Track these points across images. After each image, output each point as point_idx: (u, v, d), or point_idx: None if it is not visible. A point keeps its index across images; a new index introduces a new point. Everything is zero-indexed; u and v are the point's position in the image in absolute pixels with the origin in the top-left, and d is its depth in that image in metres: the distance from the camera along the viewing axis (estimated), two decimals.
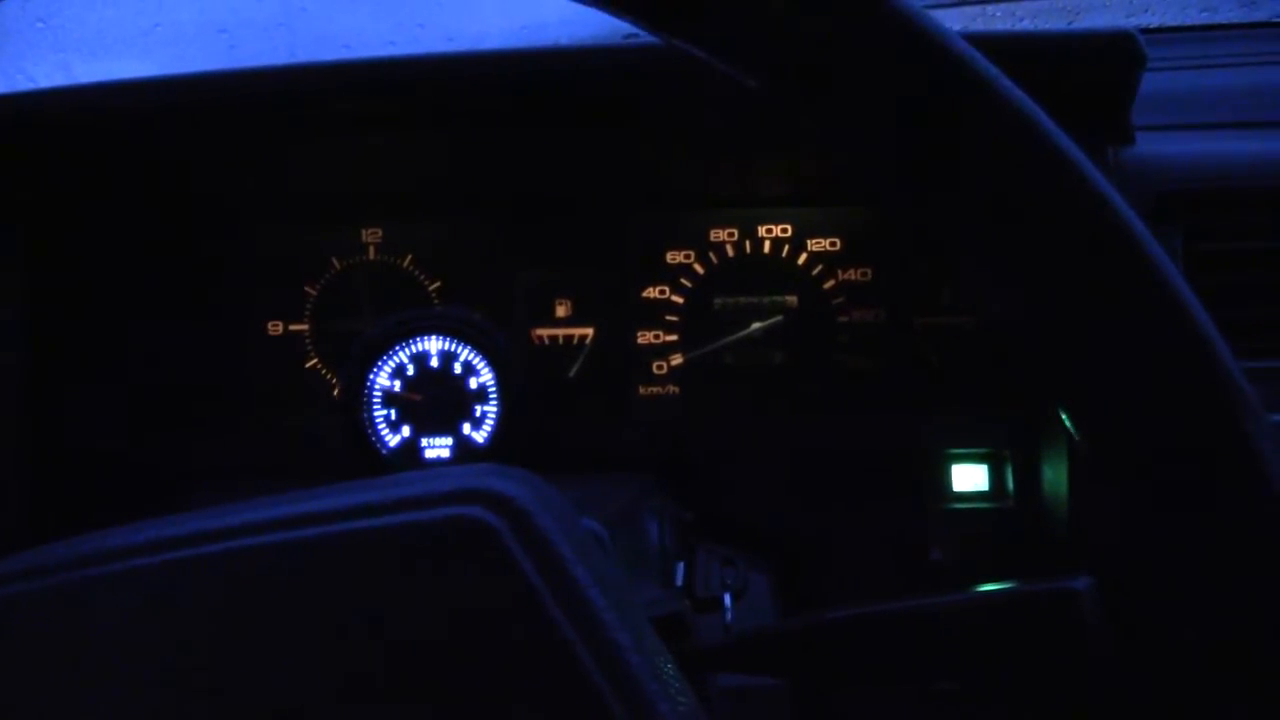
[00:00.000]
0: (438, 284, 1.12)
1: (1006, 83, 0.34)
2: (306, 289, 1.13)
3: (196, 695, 0.41)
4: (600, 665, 0.38)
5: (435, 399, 0.99)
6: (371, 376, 1.00)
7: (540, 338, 1.11)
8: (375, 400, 1.00)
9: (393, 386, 1.00)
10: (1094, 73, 0.81)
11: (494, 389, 1.00)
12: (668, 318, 1.10)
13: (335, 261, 1.13)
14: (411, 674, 0.39)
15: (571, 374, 1.10)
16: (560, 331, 1.11)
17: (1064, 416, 0.37)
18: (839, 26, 0.34)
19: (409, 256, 1.12)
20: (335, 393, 1.12)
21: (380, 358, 1.00)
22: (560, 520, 0.41)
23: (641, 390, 1.10)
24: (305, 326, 1.13)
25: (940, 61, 0.34)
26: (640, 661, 0.39)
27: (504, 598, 0.39)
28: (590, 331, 1.11)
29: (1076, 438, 0.37)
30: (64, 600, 0.42)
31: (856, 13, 0.34)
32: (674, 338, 1.10)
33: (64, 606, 0.42)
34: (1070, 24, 1.27)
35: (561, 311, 1.11)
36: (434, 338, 1.00)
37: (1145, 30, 0.84)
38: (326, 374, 1.13)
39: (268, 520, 0.42)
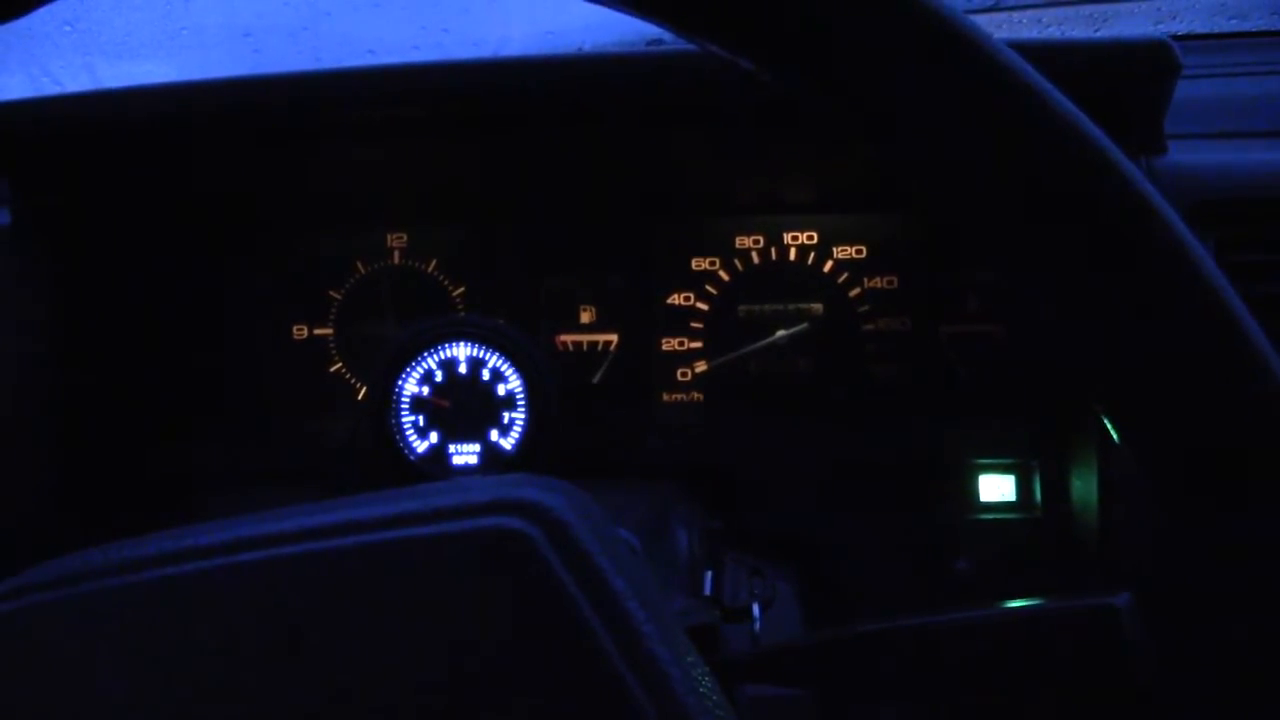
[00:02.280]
0: (462, 289, 1.12)
1: (1053, 90, 0.34)
2: (331, 293, 1.13)
3: (231, 705, 0.40)
4: (640, 679, 0.38)
5: (464, 405, 0.99)
6: (400, 382, 1.00)
7: (564, 343, 1.11)
8: (403, 406, 1.00)
9: (421, 392, 1.00)
10: (1128, 81, 0.80)
11: (522, 396, 0.99)
12: (692, 325, 1.10)
13: (360, 266, 1.13)
14: (448, 686, 0.39)
15: (595, 380, 1.10)
16: (584, 337, 1.11)
17: (1108, 423, 0.37)
18: (878, 29, 0.34)
19: (433, 261, 1.12)
20: (360, 397, 1.12)
21: (409, 363, 0.99)
22: (598, 531, 0.41)
23: (665, 397, 1.10)
24: (330, 331, 1.13)
25: (982, 66, 0.34)
26: (680, 675, 0.38)
27: (543, 609, 0.39)
28: (614, 338, 1.11)
29: (1120, 443, 0.36)
30: (99, 608, 0.42)
31: (896, 15, 0.34)
32: (698, 345, 1.10)
33: (98, 614, 0.42)
34: (1096, 31, 1.26)
35: (585, 317, 1.11)
36: (463, 344, 1.00)
37: (1174, 38, 0.83)
38: (351, 379, 1.13)
39: (304, 529, 0.41)
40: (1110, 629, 0.46)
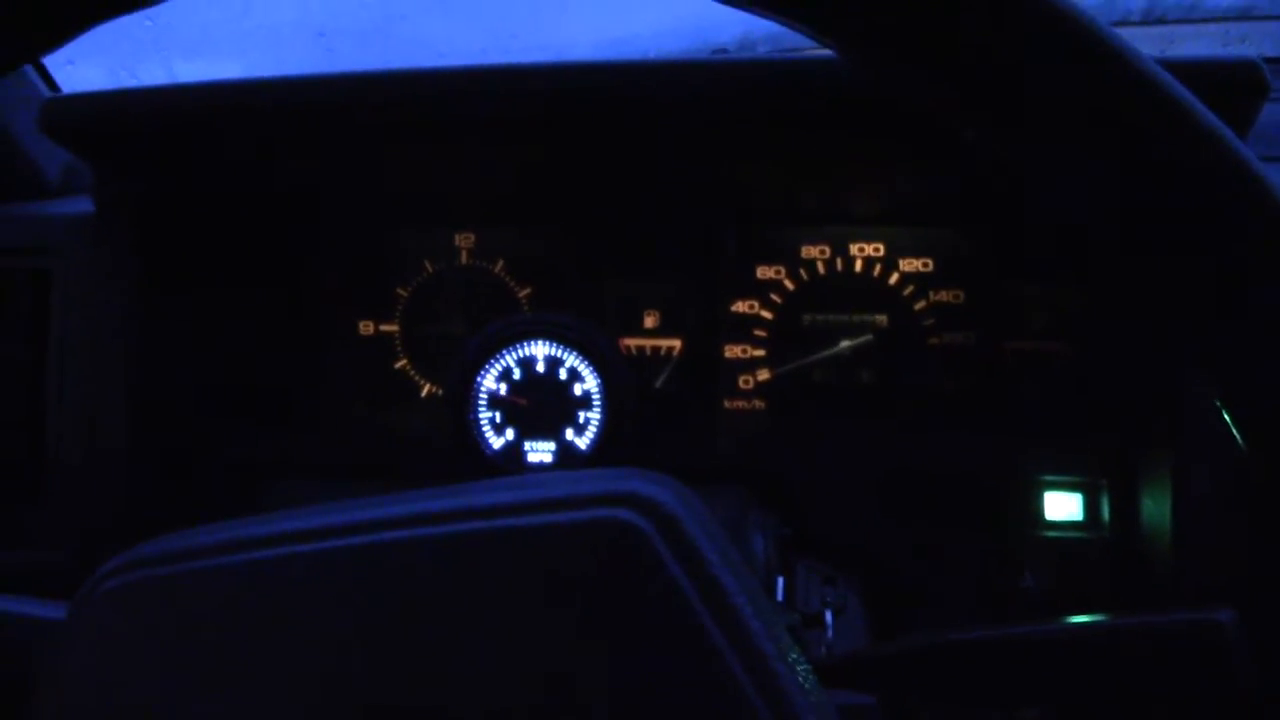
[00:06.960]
0: (528, 290, 1.13)
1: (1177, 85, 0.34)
2: (398, 290, 1.14)
3: (334, 688, 0.41)
4: (749, 673, 0.38)
5: (540, 403, 1.00)
6: (478, 379, 1.00)
7: (627, 348, 1.11)
8: (480, 402, 1.00)
9: (498, 389, 1.01)
10: (1214, 102, 0.79)
11: (599, 396, 1.00)
12: (756, 332, 1.10)
13: (427, 264, 1.14)
14: (557, 675, 0.39)
15: (658, 385, 1.10)
16: (648, 342, 1.11)
17: (1228, 417, 0.36)
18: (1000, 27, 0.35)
19: (500, 262, 1.13)
20: (424, 394, 1.13)
21: (489, 359, 1.00)
22: (705, 527, 0.41)
23: (727, 403, 1.10)
24: (395, 327, 1.14)
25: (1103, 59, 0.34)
26: (785, 671, 0.38)
27: (653, 602, 0.39)
28: (678, 343, 1.11)
29: (1242, 440, 0.36)
30: (211, 585, 0.43)
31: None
32: (762, 353, 1.10)
33: (211, 591, 0.43)
34: (1163, 52, 1.25)
35: (650, 322, 1.11)
36: (540, 343, 1.01)
37: None
38: (415, 375, 1.14)
39: (415, 514, 0.42)
40: (1215, 645, 0.46)
